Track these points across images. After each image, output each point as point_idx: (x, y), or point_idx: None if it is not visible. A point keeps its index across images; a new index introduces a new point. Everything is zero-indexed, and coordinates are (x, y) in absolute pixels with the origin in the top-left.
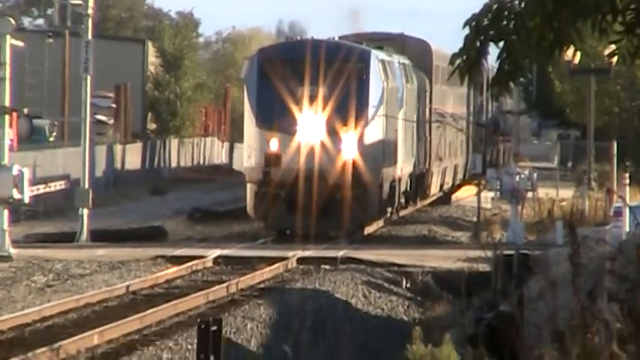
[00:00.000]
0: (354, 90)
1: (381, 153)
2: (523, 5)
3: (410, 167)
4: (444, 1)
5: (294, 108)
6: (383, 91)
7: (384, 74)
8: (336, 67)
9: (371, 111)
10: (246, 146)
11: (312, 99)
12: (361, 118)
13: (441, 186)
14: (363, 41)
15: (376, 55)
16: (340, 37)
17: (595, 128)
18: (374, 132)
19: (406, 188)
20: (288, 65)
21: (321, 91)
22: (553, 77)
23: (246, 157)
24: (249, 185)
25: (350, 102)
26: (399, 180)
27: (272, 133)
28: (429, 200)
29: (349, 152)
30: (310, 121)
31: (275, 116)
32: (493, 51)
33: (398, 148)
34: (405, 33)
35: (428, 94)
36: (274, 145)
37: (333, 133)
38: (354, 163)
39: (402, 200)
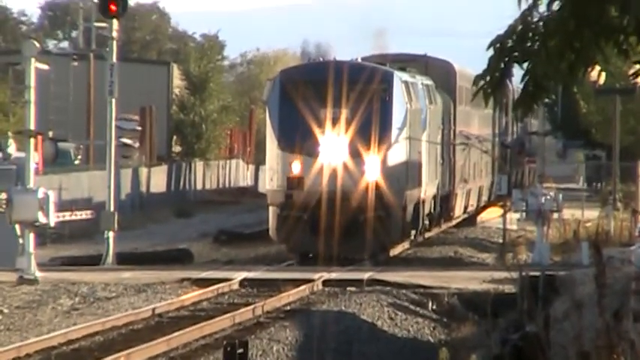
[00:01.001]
0: (377, 111)
1: (405, 175)
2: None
3: (434, 189)
4: (469, 21)
5: (316, 130)
6: (406, 113)
7: (407, 95)
8: (358, 88)
9: (394, 133)
10: (268, 168)
11: (335, 121)
12: (384, 139)
13: (465, 208)
14: (386, 62)
15: (399, 77)
16: (363, 59)
17: (620, 148)
18: (397, 154)
19: (430, 210)
20: (311, 87)
21: (344, 113)
22: (578, 98)
23: (269, 180)
24: (271, 208)
25: (373, 124)
26: (423, 202)
27: (294, 155)
28: (453, 222)
29: (372, 174)
30: (333, 143)
31: (297, 138)
32: (518, 72)
33: (421, 170)
34: (427, 54)
35: (452, 116)
36: (296, 167)
37: (356, 155)
38: (377, 186)
39: (426, 222)
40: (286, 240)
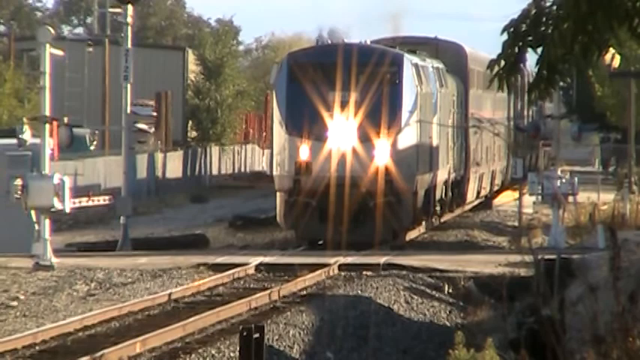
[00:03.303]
0: (386, 95)
1: (415, 160)
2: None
3: (445, 174)
4: (485, 5)
5: (325, 114)
6: (416, 96)
7: (417, 79)
8: (368, 71)
9: (404, 116)
10: (275, 153)
11: (344, 104)
12: (394, 123)
13: (478, 192)
14: (396, 45)
15: (409, 59)
16: (372, 41)
17: (636, 131)
18: (407, 138)
19: (441, 195)
20: (319, 69)
21: (353, 97)
22: (593, 81)
23: (276, 165)
24: (278, 194)
25: (382, 107)
26: (434, 187)
27: (302, 139)
28: (466, 208)
29: (382, 159)
30: (342, 128)
31: (305, 122)
32: (532, 56)
33: (432, 154)
34: (438, 37)
35: (463, 99)
36: (305, 152)
37: (365, 139)
38: (387, 170)
39: (438, 208)
40: (294, 226)
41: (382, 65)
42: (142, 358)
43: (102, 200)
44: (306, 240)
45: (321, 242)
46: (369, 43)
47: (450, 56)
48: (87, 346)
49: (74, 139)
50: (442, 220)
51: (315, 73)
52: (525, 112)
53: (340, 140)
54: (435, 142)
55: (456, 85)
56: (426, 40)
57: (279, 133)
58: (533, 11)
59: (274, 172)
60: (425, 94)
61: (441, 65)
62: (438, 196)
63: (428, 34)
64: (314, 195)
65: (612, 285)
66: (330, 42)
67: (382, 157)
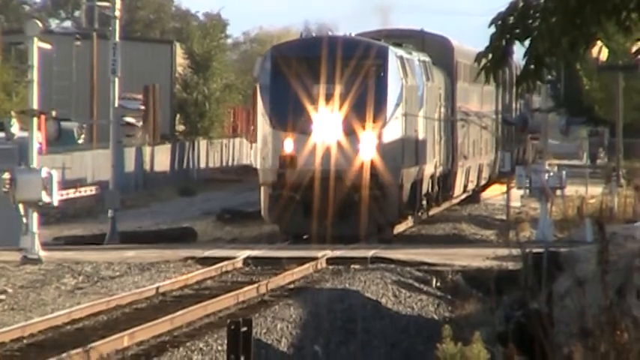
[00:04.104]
0: (371, 88)
1: (401, 153)
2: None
3: (432, 168)
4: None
5: (309, 107)
6: (402, 89)
7: (402, 71)
8: (352, 64)
9: (389, 110)
10: (259, 147)
11: (328, 97)
12: (379, 116)
13: (465, 186)
14: (381, 38)
15: (394, 52)
16: (358, 34)
17: (624, 125)
18: (393, 131)
19: (428, 189)
20: (304, 63)
21: (338, 89)
22: (581, 74)
23: (260, 159)
24: (262, 188)
25: (367, 100)
26: (421, 181)
27: (286, 133)
28: (453, 202)
29: (367, 152)
30: (326, 121)
31: (289, 116)
32: (520, 49)
33: (418, 147)
34: (424, 29)
35: (450, 92)
36: (289, 145)
37: (350, 132)
38: (372, 164)
39: (424, 202)
40: (278, 220)
41: (367, 58)
42: (129, 351)
43: (89, 191)
44: (291, 234)
45: (306, 237)
46: (353, 35)
47: (437, 49)
48: (75, 339)
49: (62, 132)
50: (429, 214)
51: (299, 66)
52: (513, 106)
53: (325, 133)
54: (421, 136)
55: (442, 79)
56: (411, 33)
57: (263, 127)
58: (521, 4)
59: (258, 166)
60: (410, 87)
61: (427, 58)
62: (424, 190)
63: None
64: (298, 189)
65: (600, 278)
66: (307, 33)
67: (367, 150)
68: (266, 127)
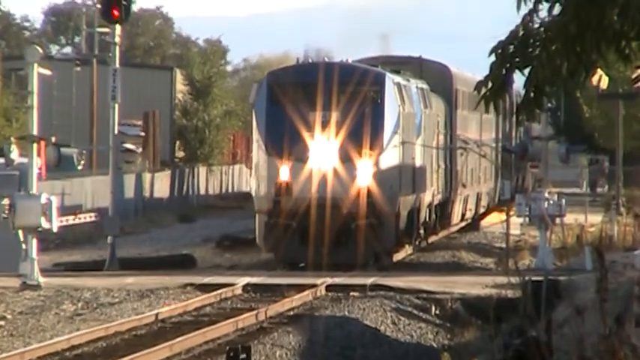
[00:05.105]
0: (368, 115)
1: (398, 181)
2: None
3: (430, 196)
4: (478, 25)
5: (305, 134)
6: (399, 116)
7: (400, 98)
8: (349, 90)
9: (386, 137)
10: (255, 174)
11: (325, 124)
12: (376, 144)
13: (463, 215)
14: (379, 64)
15: (392, 79)
16: (355, 61)
17: (624, 153)
18: (390, 159)
19: (425, 218)
20: (300, 89)
21: (334, 116)
22: (581, 102)
23: (255, 186)
24: (258, 215)
25: (364, 127)
26: (418, 209)
27: (282, 160)
28: (451, 230)
29: (363, 180)
30: (322, 148)
31: (285, 143)
32: (520, 77)
33: (416, 175)
34: (422, 56)
35: (449, 120)
36: (284, 173)
37: (346, 159)
38: (368, 191)
39: (422, 231)
40: (274, 249)
41: (364, 84)
42: None
43: (88, 217)
44: (287, 263)
45: (302, 265)
46: (350, 62)
47: (435, 76)
48: None
49: (62, 158)
50: (428, 241)
51: (295, 92)
52: (513, 134)
53: (321, 161)
54: (418, 164)
55: (441, 106)
56: (409, 60)
57: (258, 153)
58: (522, 32)
59: (253, 193)
60: (408, 114)
61: (425, 85)
62: (422, 218)
63: (412, 54)
64: (294, 216)
65: (599, 307)
66: (304, 59)
67: (364, 178)
68: (261, 154)
